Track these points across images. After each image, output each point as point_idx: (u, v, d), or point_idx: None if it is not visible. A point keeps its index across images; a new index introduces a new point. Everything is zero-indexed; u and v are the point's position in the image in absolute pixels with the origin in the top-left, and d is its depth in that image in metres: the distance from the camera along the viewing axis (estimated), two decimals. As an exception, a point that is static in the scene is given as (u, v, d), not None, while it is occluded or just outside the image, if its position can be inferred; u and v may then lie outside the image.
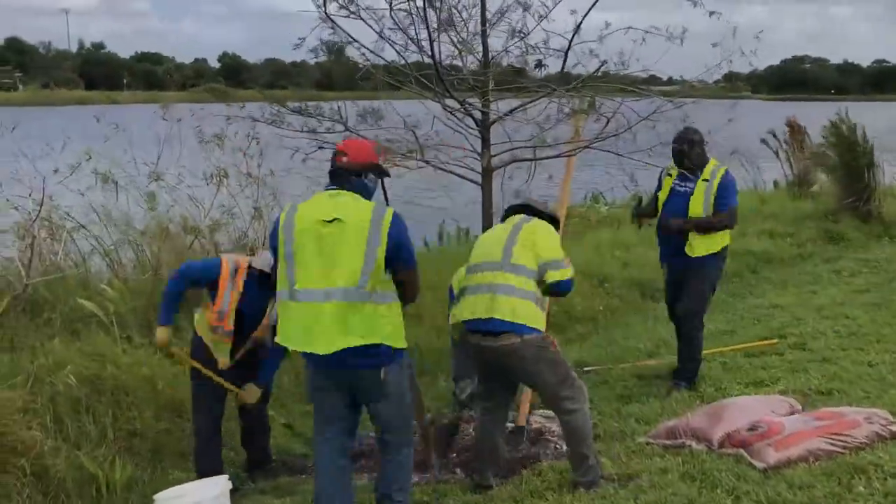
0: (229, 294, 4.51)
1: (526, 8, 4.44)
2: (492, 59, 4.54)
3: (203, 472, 4.64)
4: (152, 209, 6.94)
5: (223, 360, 4.59)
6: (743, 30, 4.54)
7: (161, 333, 4.47)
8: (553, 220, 4.43)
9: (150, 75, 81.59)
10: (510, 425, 5.12)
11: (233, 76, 75.39)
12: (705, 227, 5.66)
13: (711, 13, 4.33)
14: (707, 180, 5.68)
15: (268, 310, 4.54)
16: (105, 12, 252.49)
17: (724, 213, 5.67)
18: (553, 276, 4.14)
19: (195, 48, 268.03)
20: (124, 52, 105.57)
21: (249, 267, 4.56)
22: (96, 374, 5.23)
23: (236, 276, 4.53)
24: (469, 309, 4.19)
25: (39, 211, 6.38)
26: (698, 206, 5.67)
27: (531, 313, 4.10)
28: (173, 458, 5.23)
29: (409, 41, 4.42)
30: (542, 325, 4.16)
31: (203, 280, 4.58)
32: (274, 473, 5.00)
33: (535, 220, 4.29)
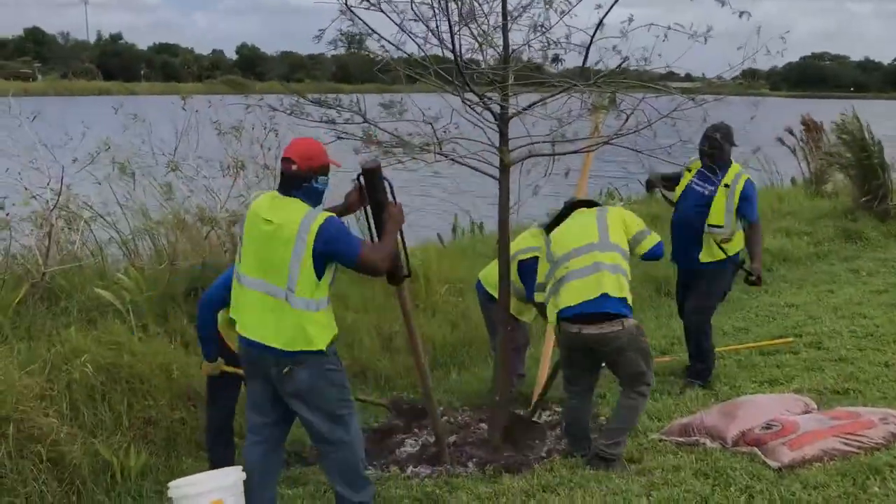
0: None
1: (549, 3, 4.41)
2: (512, 52, 4.51)
3: (216, 462, 4.68)
4: (169, 199, 6.97)
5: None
6: (748, 27, 4.47)
7: (205, 368, 4.61)
8: None
9: (167, 66, 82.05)
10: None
11: (249, 68, 75.66)
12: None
13: (742, 13, 4.27)
14: (728, 186, 5.60)
15: None
16: (117, 5, 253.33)
17: (752, 230, 5.72)
18: (646, 245, 4.72)
19: (211, 40, 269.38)
20: (141, 43, 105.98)
21: None
22: (112, 362, 5.26)
23: None
24: (575, 294, 4.44)
25: (58, 200, 6.42)
26: (720, 215, 5.59)
27: (629, 291, 4.51)
28: (187, 447, 5.27)
29: (430, 33, 4.39)
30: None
31: (222, 295, 4.35)
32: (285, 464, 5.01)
33: (614, 206, 4.83)
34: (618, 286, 4.44)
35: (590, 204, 4.88)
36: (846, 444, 4.29)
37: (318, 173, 3.70)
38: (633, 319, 4.50)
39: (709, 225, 5.62)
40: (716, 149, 5.56)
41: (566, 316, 4.49)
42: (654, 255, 4.79)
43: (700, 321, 5.81)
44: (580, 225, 4.70)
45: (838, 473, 4.00)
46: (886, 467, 4.00)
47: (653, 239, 4.75)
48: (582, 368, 4.69)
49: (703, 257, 5.69)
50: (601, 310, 4.40)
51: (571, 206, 4.89)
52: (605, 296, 4.40)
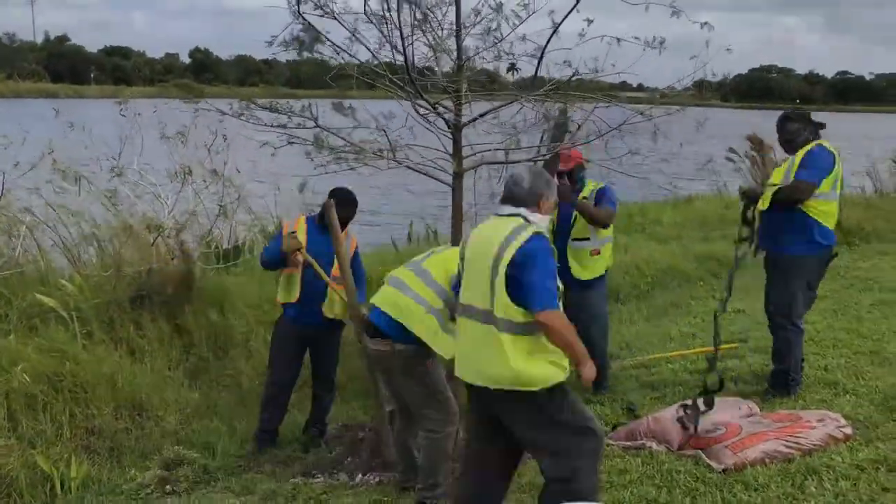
0: (293, 226, 5.06)
1: (497, 10, 4.44)
2: (466, 60, 4.54)
3: (262, 432, 5.26)
4: (114, 205, 6.84)
5: (298, 294, 5.10)
6: (695, 38, 4.57)
7: (286, 244, 4.96)
8: None
9: (118, 69, 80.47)
10: None
11: (203, 72, 74.68)
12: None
13: (703, 24, 4.36)
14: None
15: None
16: (50, 3, 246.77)
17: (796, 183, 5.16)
18: None
19: (161, 43, 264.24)
20: (88, 45, 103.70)
21: (308, 218, 5.14)
22: (54, 370, 5.15)
23: (296, 223, 5.12)
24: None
25: (-2, 205, 6.27)
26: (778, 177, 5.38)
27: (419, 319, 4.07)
28: (132, 457, 5.16)
29: (384, 40, 4.40)
30: None
31: (276, 249, 5.06)
32: (322, 440, 5.32)
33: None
34: (394, 305, 4.04)
35: None
36: (787, 445, 4.39)
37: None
38: (412, 346, 4.01)
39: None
40: (787, 135, 5.42)
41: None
42: None
43: (777, 323, 5.49)
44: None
45: (778, 475, 4.10)
46: (823, 468, 4.11)
47: None
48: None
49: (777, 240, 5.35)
50: (375, 321, 4.11)
51: None
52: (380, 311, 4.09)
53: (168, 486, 4.84)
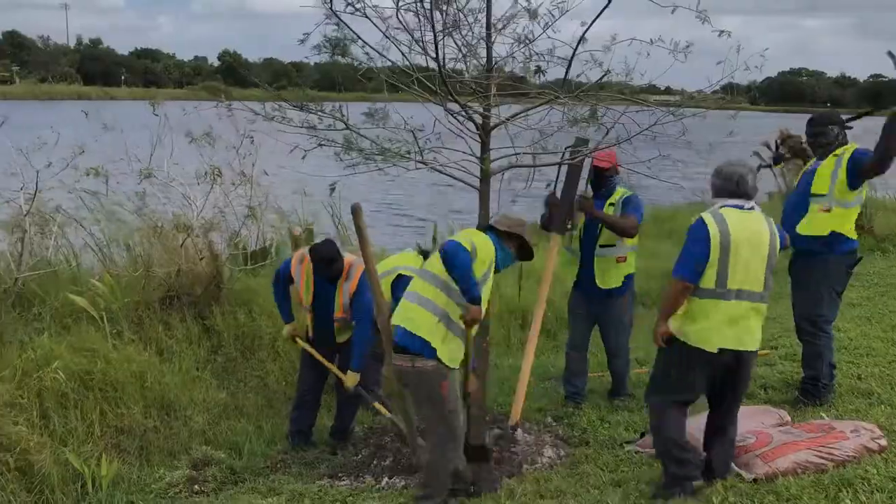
0: (299, 275, 5.37)
1: (533, 16, 4.41)
2: (495, 64, 4.52)
3: (292, 430, 5.47)
4: (144, 206, 6.91)
5: (310, 332, 5.47)
6: (723, 40, 4.50)
7: (284, 331, 5.56)
8: None
9: (148, 72, 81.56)
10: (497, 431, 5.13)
11: (231, 75, 75.30)
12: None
13: (721, 32, 4.31)
14: (838, 156, 5.21)
15: (339, 293, 5.30)
16: (82, 8, 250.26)
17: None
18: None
19: (190, 46, 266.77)
20: (119, 48, 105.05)
21: (313, 266, 5.30)
22: (85, 369, 5.21)
23: (302, 263, 5.36)
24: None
25: (31, 205, 6.34)
26: (824, 182, 5.23)
27: (436, 330, 4.17)
28: (161, 456, 5.21)
29: (414, 42, 4.39)
30: None
31: (285, 274, 5.45)
32: (347, 445, 5.41)
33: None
34: (410, 320, 4.13)
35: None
36: (819, 456, 4.31)
37: None
38: (432, 362, 4.07)
39: (812, 195, 5.26)
40: (821, 137, 5.30)
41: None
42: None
43: (804, 329, 5.43)
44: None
45: (811, 486, 4.01)
46: (858, 480, 4.02)
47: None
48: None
49: (802, 229, 5.29)
50: (398, 341, 4.17)
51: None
52: (398, 327, 4.18)
53: (196, 486, 4.89)
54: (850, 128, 5.42)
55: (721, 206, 4.02)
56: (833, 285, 5.36)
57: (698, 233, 3.94)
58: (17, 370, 4.97)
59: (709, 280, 3.92)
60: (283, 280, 5.48)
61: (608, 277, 5.61)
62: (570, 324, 6.03)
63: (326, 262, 5.20)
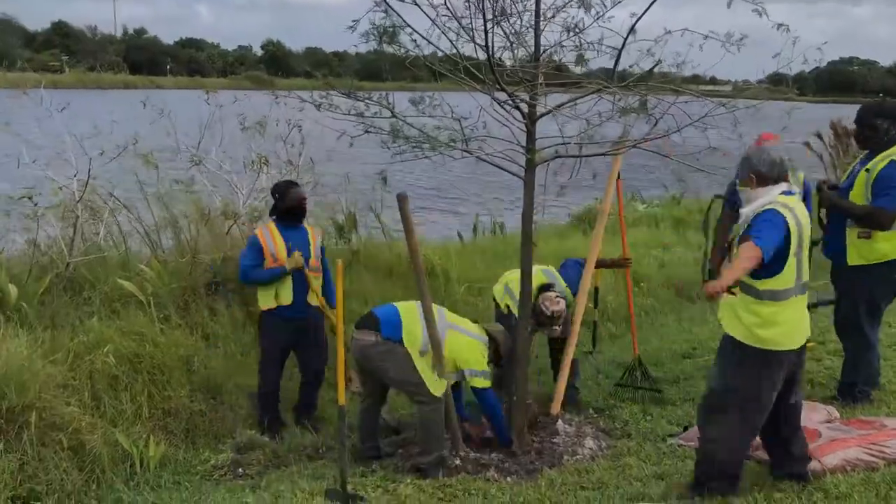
0: (268, 237, 5.47)
1: (587, 8, 4.35)
2: (543, 52, 4.48)
3: (262, 418, 5.54)
4: (192, 193, 7.01)
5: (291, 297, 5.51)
6: (767, 30, 4.38)
7: (291, 264, 5.42)
8: None
9: (192, 61, 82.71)
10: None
11: (274, 65, 76.05)
12: (847, 214, 4.98)
13: (779, 25, 4.20)
14: (869, 170, 4.93)
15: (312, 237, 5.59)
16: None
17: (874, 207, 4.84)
18: None
19: (223, 35, 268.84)
20: (164, 37, 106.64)
21: (275, 223, 5.54)
22: (134, 352, 5.32)
23: (267, 227, 5.55)
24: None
25: (84, 192, 6.48)
26: (858, 201, 4.99)
27: None
28: (206, 438, 5.31)
29: (463, 30, 4.38)
30: None
31: (257, 254, 5.45)
32: (315, 420, 5.67)
33: None
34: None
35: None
36: (869, 454, 4.22)
37: None
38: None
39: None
40: (867, 129, 5.03)
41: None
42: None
43: (846, 335, 5.31)
44: None
45: (861, 484, 3.94)
46: (911, 479, 3.94)
47: None
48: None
49: (849, 258, 5.05)
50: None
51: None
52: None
53: (240, 469, 4.97)
54: None
55: (779, 194, 3.77)
56: (872, 291, 5.12)
57: (776, 220, 3.66)
58: (70, 353, 5.10)
59: (788, 278, 3.72)
60: (254, 257, 5.45)
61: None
62: None
63: (299, 201, 5.56)
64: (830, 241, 5.19)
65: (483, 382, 4.83)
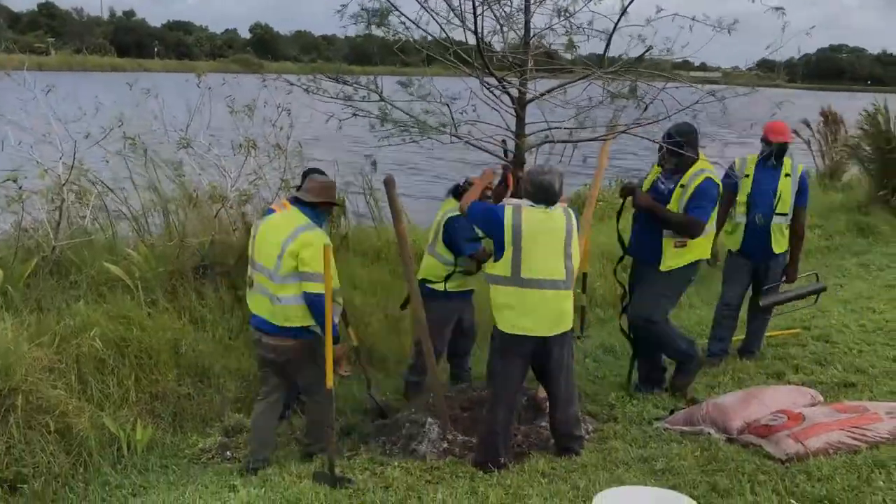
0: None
1: None
2: (533, 36, 4.47)
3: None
4: (180, 176, 6.97)
5: None
6: (755, 16, 4.39)
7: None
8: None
9: (180, 44, 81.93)
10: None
11: (262, 48, 75.42)
12: (663, 221, 5.19)
13: (777, 9, 4.22)
14: (684, 186, 5.15)
15: None
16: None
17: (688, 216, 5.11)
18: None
19: (209, 17, 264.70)
20: (151, 20, 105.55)
21: None
22: (121, 336, 5.31)
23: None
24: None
25: (70, 174, 6.43)
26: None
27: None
28: (194, 422, 5.31)
29: (452, 13, 4.36)
30: None
31: None
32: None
33: None
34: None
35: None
36: (852, 437, 4.27)
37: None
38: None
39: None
40: (668, 154, 5.11)
41: None
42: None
43: (643, 326, 5.50)
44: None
45: (843, 466, 3.99)
46: (892, 461, 3.98)
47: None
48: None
49: (664, 262, 5.27)
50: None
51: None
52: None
53: (228, 453, 4.98)
54: None
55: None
56: None
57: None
58: (56, 336, 5.08)
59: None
60: None
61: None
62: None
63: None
64: (642, 245, 5.43)
65: (317, 287, 4.30)
